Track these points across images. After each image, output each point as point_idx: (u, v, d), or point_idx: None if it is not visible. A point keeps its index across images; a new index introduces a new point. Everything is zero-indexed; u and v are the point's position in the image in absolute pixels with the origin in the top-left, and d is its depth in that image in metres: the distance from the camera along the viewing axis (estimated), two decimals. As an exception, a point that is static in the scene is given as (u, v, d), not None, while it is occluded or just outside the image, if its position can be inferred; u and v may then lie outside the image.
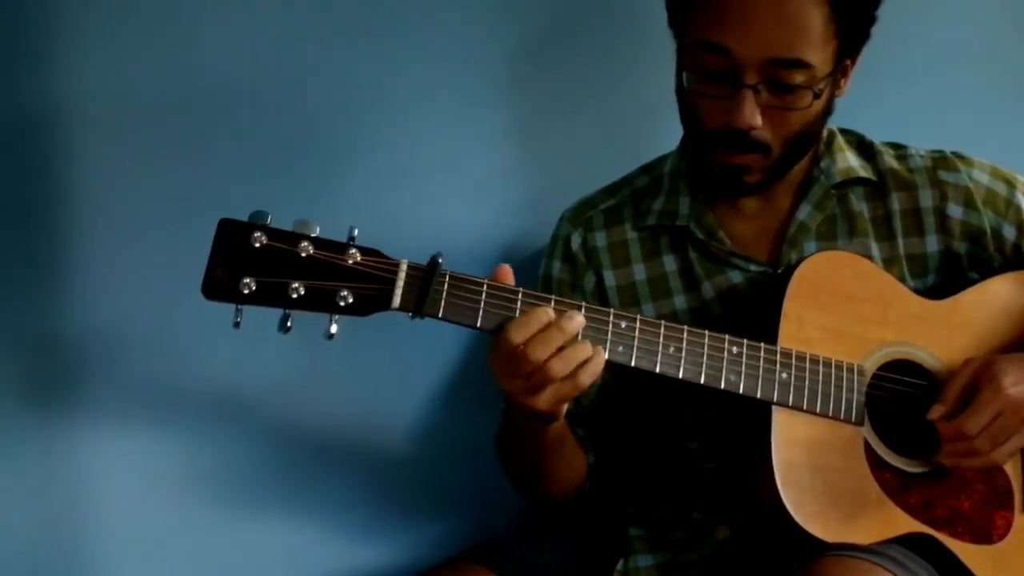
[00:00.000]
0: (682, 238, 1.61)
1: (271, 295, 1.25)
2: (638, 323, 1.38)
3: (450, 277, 1.31)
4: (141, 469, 1.69)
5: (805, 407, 1.46)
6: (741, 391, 1.43)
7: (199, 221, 1.30)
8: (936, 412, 1.48)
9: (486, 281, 1.33)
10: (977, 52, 2.09)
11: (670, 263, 1.62)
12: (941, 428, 1.47)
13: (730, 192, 1.58)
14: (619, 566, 1.60)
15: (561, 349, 1.31)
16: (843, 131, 1.66)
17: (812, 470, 1.45)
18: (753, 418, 1.46)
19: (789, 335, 1.47)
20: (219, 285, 1.24)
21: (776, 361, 1.45)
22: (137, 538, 1.69)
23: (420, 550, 1.82)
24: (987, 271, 1.62)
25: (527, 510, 1.80)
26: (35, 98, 1.63)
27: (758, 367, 1.44)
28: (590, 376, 1.33)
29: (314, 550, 1.78)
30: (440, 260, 1.30)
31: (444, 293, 1.30)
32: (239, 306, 1.25)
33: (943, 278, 1.61)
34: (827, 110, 1.53)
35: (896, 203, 1.61)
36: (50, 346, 1.65)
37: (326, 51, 1.75)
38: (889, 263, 1.59)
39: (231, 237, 1.25)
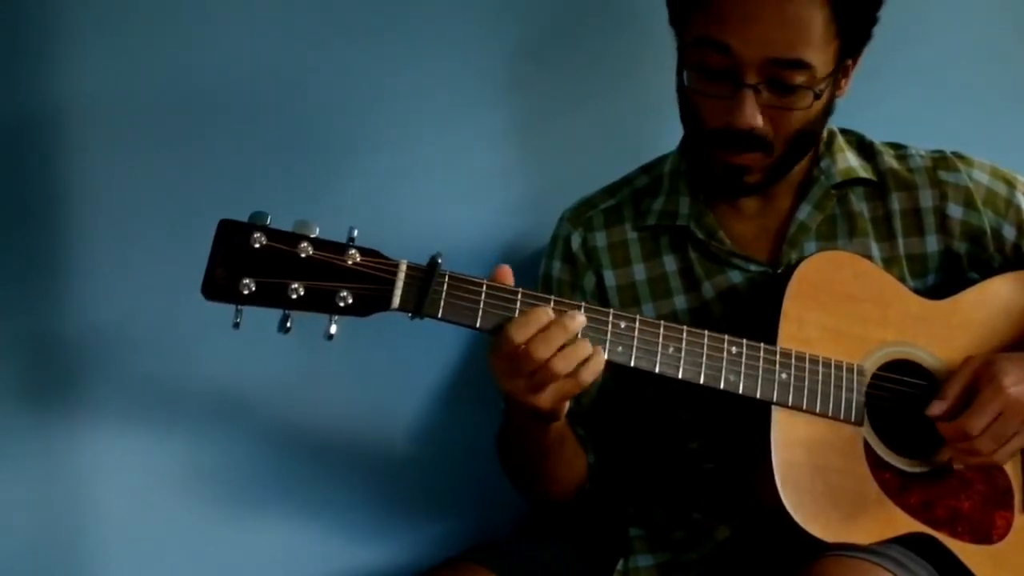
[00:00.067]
0: (682, 238, 1.61)
1: (271, 296, 1.25)
2: (637, 323, 1.38)
3: (449, 277, 1.31)
4: (141, 469, 1.69)
5: (805, 407, 1.46)
6: (741, 391, 1.43)
7: (199, 221, 1.30)
8: (935, 408, 1.48)
9: (485, 281, 1.33)
10: (977, 52, 2.09)
11: (670, 263, 1.62)
12: (942, 428, 1.47)
13: (730, 192, 1.58)
14: (619, 566, 1.60)
15: (562, 348, 1.31)
16: (843, 131, 1.66)
17: (812, 470, 1.45)
18: (753, 418, 1.46)
19: (789, 335, 1.47)
20: (219, 285, 1.24)
21: (776, 361, 1.45)
22: (137, 538, 1.69)
23: (420, 550, 1.82)
24: (987, 271, 1.62)
25: (527, 510, 1.80)
26: (35, 98, 1.63)
27: (758, 367, 1.44)
28: (592, 374, 1.33)
29: (314, 550, 1.78)
30: (439, 260, 1.30)
31: (443, 293, 1.31)
32: (239, 307, 1.25)
33: (943, 278, 1.61)
34: (828, 110, 1.53)
35: (896, 203, 1.61)
36: (50, 346, 1.65)
37: (326, 51, 1.75)
38: (889, 263, 1.59)
39: (231, 238, 1.25)
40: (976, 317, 1.58)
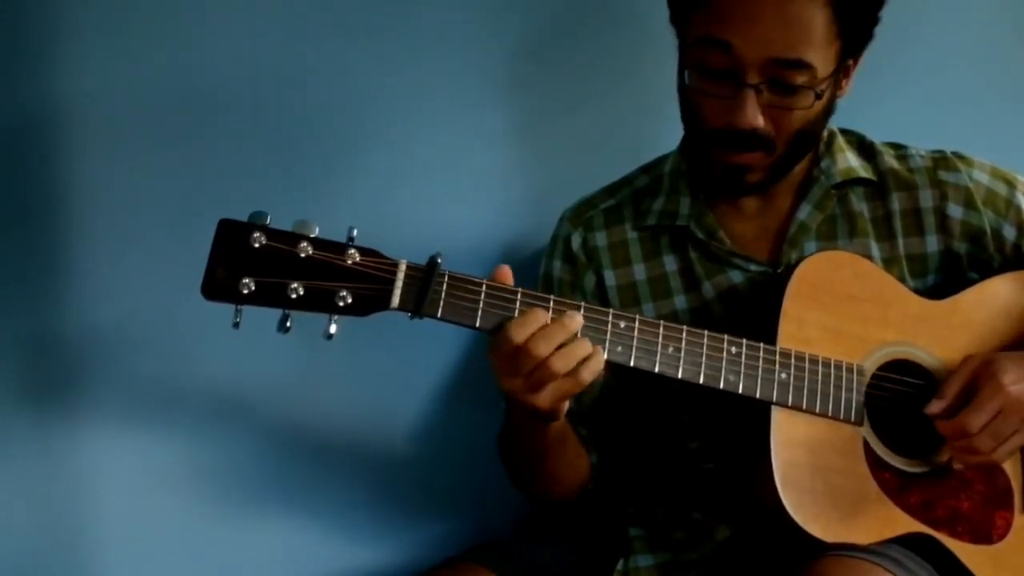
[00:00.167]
0: (682, 238, 1.61)
1: (270, 295, 1.25)
2: (637, 323, 1.38)
3: (449, 277, 1.31)
4: (141, 469, 1.69)
5: (805, 407, 1.46)
6: (740, 391, 1.43)
7: (199, 221, 1.30)
8: (934, 407, 1.48)
9: (485, 281, 1.33)
10: (977, 52, 2.09)
11: (670, 263, 1.62)
12: (941, 426, 1.47)
13: (731, 191, 1.58)
14: (619, 566, 1.60)
15: (562, 347, 1.31)
16: (843, 131, 1.66)
17: (812, 470, 1.45)
18: (753, 418, 1.46)
19: (789, 335, 1.47)
20: (219, 285, 1.24)
21: (775, 361, 1.45)
22: (137, 538, 1.68)
23: (420, 550, 1.82)
24: (987, 271, 1.62)
25: (527, 510, 1.80)
26: (35, 98, 1.63)
27: (757, 367, 1.44)
28: (591, 373, 1.33)
29: (314, 550, 1.78)
30: (439, 260, 1.30)
31: (443, 293, 1.31)
32: (239, 306, 1.25)
33: (943, 278, 1.61)
34: (829, 110, 1.53)
35: (896, 203, 1.61)
36: (50, 346, 1.65)
37: (326, 51, 1.75)
38: (889, 263, 1.59)
39: (231, 237, 1.25)
40: (976, 317, 1.58)
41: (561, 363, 1.30)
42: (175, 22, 1.68)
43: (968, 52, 2.08)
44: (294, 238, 1.26)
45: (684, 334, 1.41)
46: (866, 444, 1.49)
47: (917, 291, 1.57)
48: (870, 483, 1.48)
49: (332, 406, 1.79)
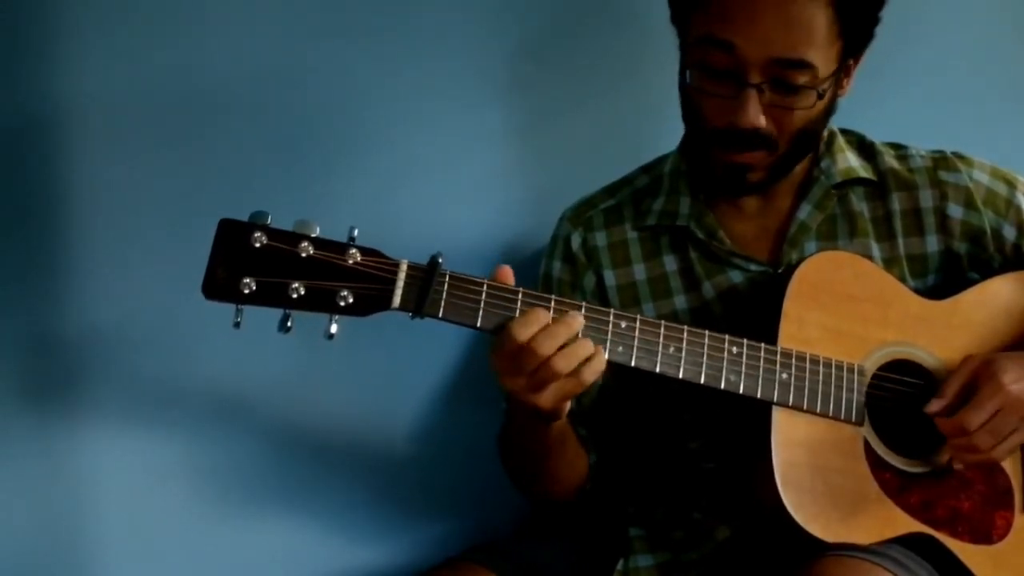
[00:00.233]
0: (682, 238, 1.61)
1: (271, 295, 1.25)
2: (638, 323, 1.38)
3: (450, 277, 1.31)
4: (141, 469, 1.69)
5: (805, 407, 1.46)
6: (741, 391, 1.43)
7: (199, 221, 1.30)
8: (934, 406, 1.48)
9: (486, 281, 1.33)
10: (977, 52, 2.10)
11: (670, 263, 1.62)
12: (941, 424, 1.47)
13: (732, 191, 1.58)
14: (619, 566, 1.60)
15: (564, 346, 1.31)
16: (844, 131, 1.67)
17: (812, 470, 1.45)
18: (753, 418, 1.46)
19: (789, 335, 1.47)
20: (219, 285, 1.24)
21: (776, 361, 1.45)
22: (137, 538, 1.68)
23: (420, 550, 1.82)
24: (987, 271, 1.62)
25: (527, 510, 1.80)
26: (35, 98, 1.63)
27: (758, 367, 1.44)
28: (593, 373, 1.33)
29: (314, 550, 1.78)
30: (440, 260, 1.30)
31: (444, 293, 1.31)
32: (239, 306, 1.25)
33: (943, 278, 1.61)
34: (830, 109, 1.53)
35: (896, 203, 1.61)
36: (50, 346, 1.65)
37: (326, 51, 1.75)
38: (889, 263, 1.59)
39: (231, 237, 1.25)
40: (976, 317, 1.58)
41: (563, 363, 1.30)
42: (175, 22, 1.68)
43: (968, 52, 2.08)
44: (295, 238, 1.26)
45: (685, 334, 1.41)
46: (866, 444, 1.49)
47: (917, 291, 1.58)
48: (870, 483, 1.48)
49: (333, 406, 1.79)
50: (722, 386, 1.42)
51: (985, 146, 1.67)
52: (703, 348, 1.42)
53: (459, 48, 1.83)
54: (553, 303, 1.34)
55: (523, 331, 1.30)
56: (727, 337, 1.43)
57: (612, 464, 1.65)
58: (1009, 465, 1.56)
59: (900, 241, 1.60)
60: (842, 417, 1.48)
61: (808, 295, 1.49)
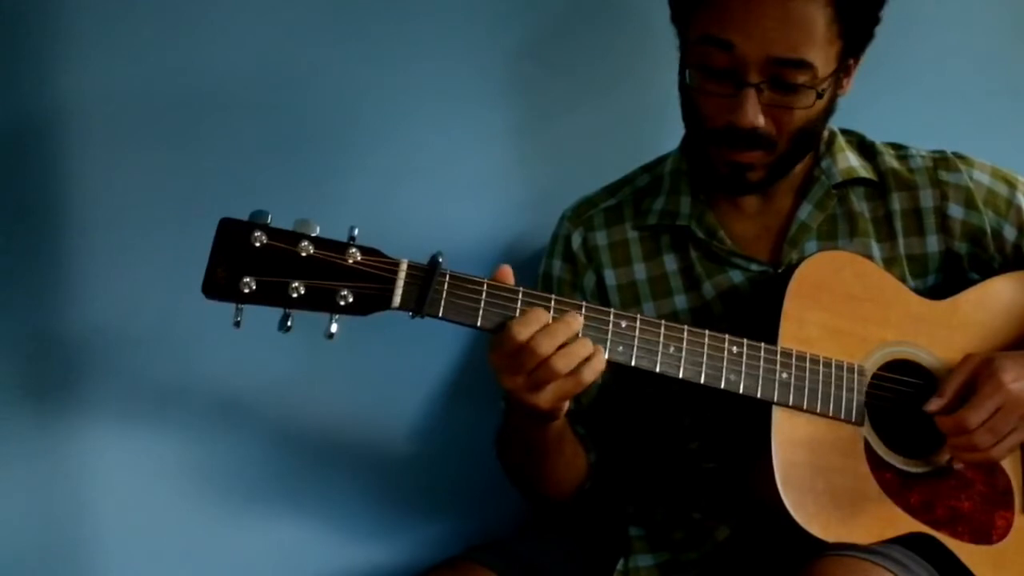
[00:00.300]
0: (683, 238, 1.62)
1: (271, 294, 1.25)
2: (638, 323, 1.38)
3: (450, 277, 1.31)
4: (141, 468, 1.68)
5: (805, 407, 1.46)
6: (741, 391, 1.43)
7: (200, 220, 1.30)
8: (934, 404, 1.48)
9: (486, 281, 1.33)
10: (977, 52, 2.10)
11: (671, 262, 1.62)
12: (940, 422, 1.47)
13: (732, 190, 1.58)
14: (619, 566, 1.60)
15: (563, 346, 1.31)
16: (844, 131, 1.67)
17: (812, 470, 1.45)
18: (753, 418, 1.46)
19: (789, 335, 1.47)
20: (219, 284, 1.24)
21: (776, 361, 1.45)
22: (137, 537, 1.68)
23: (420, 550, 1.82)
24: (987, 271, 1.62)
25: (527, 510, 1.80)
26: (35, 98, 1.62)
27: (758, 367, 1.44)
28: (593, 373, 1.33)
29: (314, 550, 1.78)
30: (440, 260, 1.30)
31: (444, 293, 1.31)
32: (239, 305, 1.25)
33: (944, 278, 1.62)
34: (830, 109, 1.54)
35: (897, 203, 1.61)
36: (50, 346, 1.65)
37: (327, 51, 1.75)
38: (890, 263, 1.59)
39: (231, 236, 1.25)
40: (976, 317, 1.58)
41: (563, 362, 1.30)
42: (175, 22, 1.68)
43: (968, 52, 2.08)
44: (295, 237, 1.26)
45: (685, 334, 1.41)
46: (867, 444, 1.49)
47: (918, 291, 1.58)
48: (871, 483, 1.48)
49: (333, 406, 1.79)
50: (722, 386, 1.42)
51: (985, 146, 1.67)
52: (703, 348, 1.42)
53: (459, 48, 1.83)
54: (553, 303, 1.34)
55: (523, 330, 1.30)
56: (727, 337, 1.43)
57: (612, 463, 1.65)
58: (1009, 465, 1.56)
59: (900, 241, 1.60)
60: (842, 417, 1.48)
61: (808, 295, 1.49)
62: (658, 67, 1.62)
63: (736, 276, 1.59)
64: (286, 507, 1.77)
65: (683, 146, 1.66)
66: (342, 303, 1.27)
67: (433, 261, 1.30)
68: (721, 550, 1.58)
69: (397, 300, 1.29)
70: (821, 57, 1.44)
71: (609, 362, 1.36)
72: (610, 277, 1.63)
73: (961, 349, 1.55)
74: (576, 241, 1.66)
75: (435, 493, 1.86)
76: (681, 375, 1.40)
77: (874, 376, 1.52)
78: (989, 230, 1.60)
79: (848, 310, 1.51)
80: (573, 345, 1.32)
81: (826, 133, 1.63)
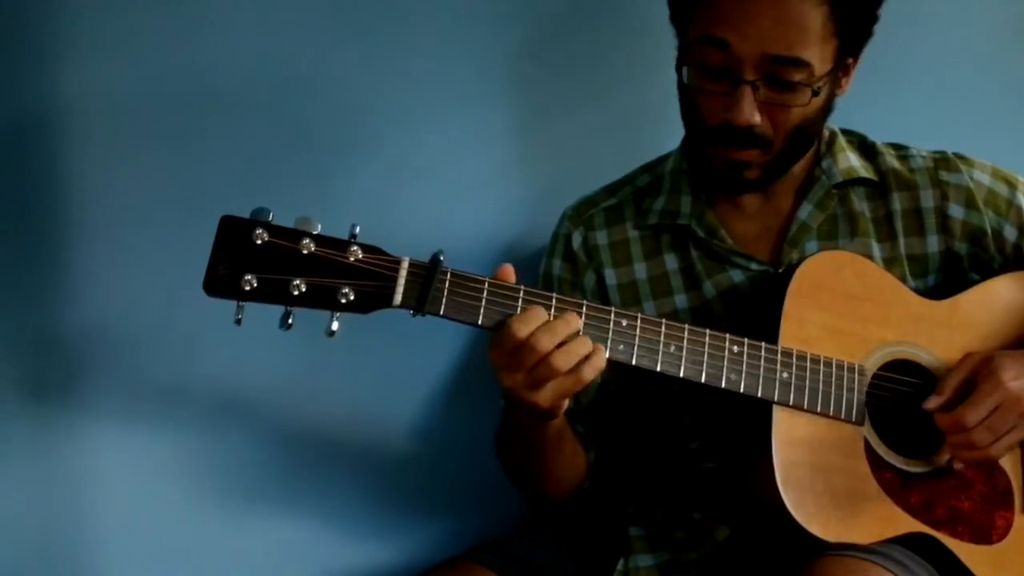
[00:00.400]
0: (683, 237, 1.62)
1: (273, 292, 1.25)
2: (639, 322, 1.38)
3: (451, 275, 1.31)
4: (142, 468, 1.68)
5: (806, 407, 1.46)
6: (742, 390, 1.43)
7: (201, 218, 1.30)
8: (933, 402, 1.49)
9: (487, 279, 1.33)
10: (978, 52, 2.10)
11: (671, 262, 1.62)
12: (939, 420, 1.48)
13: (731, 188, 1.58)
14: (619, 566, 1.60)
15: (563, 344, 1.31)
16: (844, 131, 1.67)
17: (812, 470, 1.45)
18: (753, 418, 1.46)
19: (790, 334, 1.47)
20: (221, 282, 1.24)
21: (777, 360, 1.45)
22: (137, 537, 1.68)
23: (420, 550, 1.82)
24: (988, 272, 1.62)
25: (527, 510, 1.80)
26: (35, 98, 1.63)
27: (759, 366, 1.44)
28: (593, 371, 1.33)
29: (314, 549, 1.78)
30: (442, 258, 1.30)
31: (445, 291, 1.31)
32: (240, 303, 1.25)
33: (944, 278, 1.62)
34: (827, 107, 1.54)
35: (897, 203, 1.61)
36: (50, 345, 1.65)
37: (328, 50, 1.75)
38: (890, 263, 1.59)
39: (233, 234, 1.25)
40: (976, 318, 1.58)
41: (563, 360, 1.31)
42: (176, 22, 1.68)
43: (968, 52, 2.09)
44: (296, 235, 1.26)
45: (686, 333, 1.41)
46: (867, 444, 1.49)
47: (918, 291, 1.58)
48: (871, 483, 1.48)
49: (333, 404, 1.79)
50: (722, 385, 1.42)
51: (985, 146, 1.67)
52: (704, 347, 1.42)
53: (459, 48, 1.83)
54: (554, 301, 1.34)
55: (522, 327, 1.30)
56: (728, 336, 1.43)
57: (611, 463, 1.65)
58: (1009, 465, 1.56)
59: (901, 241, 1.60)
60: (842, 416, 1.48)
61: (809, 295, 1.49)
62: (658, 67, 1.62)
63: (736, 275, 1.59)
64: (286, 507, 1.77)
65: (683, 146, 1.66)
66: (343, 301, 1.27)
67: (434, 259, 1.30)
68: (721, 550, 1.58)
69: (398, 298, 1.29)
70: (817, 55, 1.45)
71: (609, 361, 1.36)
72: (610, 276, 1.64)
73: (961, 349, 1.55)
74: (576, 240, 1.66)
75: (435, 493, 1.86)
76: (682, 374, 1.40)
77: (874, 376, 1.52)
78: (989, 230, 1.61)
79: (848, 310, 1.51)
80: (573, 343, 1.32)
81: (826, 133, 1.63)
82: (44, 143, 1.63)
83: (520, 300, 1.33)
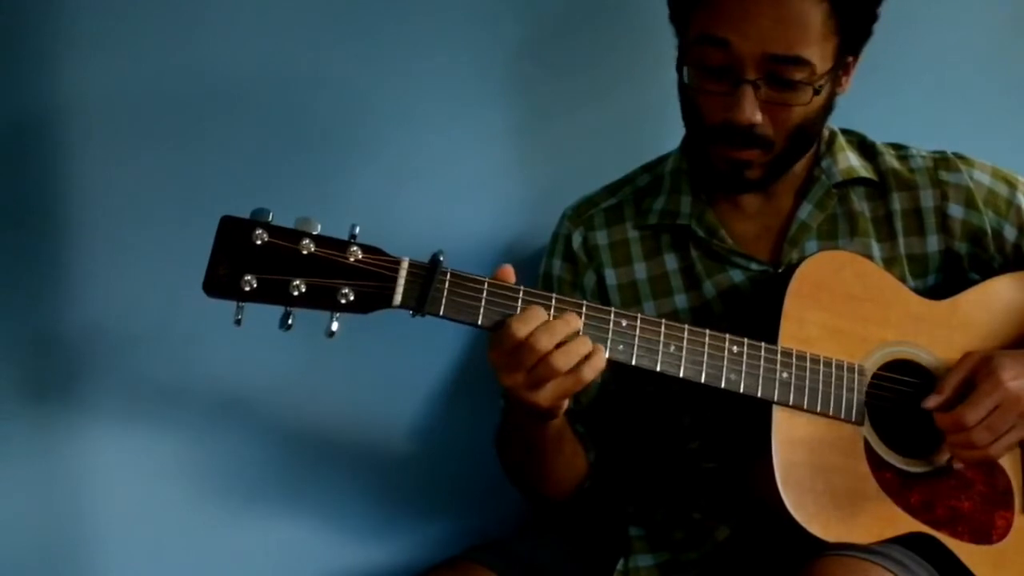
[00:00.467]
0: (683, 237, 1.62)
1: (272, 292, 1.25)
2: (639, 322, 1.38)
3: (451, 275, 1.31)
4: (142, 468, 1.68)
5: (806, 407, 1.46)
6: (741, 390, 1.43)
7: (201, 219, 1.30)
8: (932, 401, 1.49)
9: (487, 279, 1.33)
10: (977, 52, 2.10)
11: (671, 262, 1.62)
12: (939, 419, 1.48)
13: (731, 188, 1.58)
14: (619, 566, 1.60)
15: (562, 344, 1.31)
16: (844, 131, 1.67)
17: (812, 470, 1.45)
18: (753, 418, 1.46)
19: (790, 334, 1.47)
20: (221, 282, 1.24)
21: (777, 360, 1.45)
22: (138, 537, 1.68)
23: (420, 550, 1.82)
24: (988, 271, 1.62)
25: (527, 510, 1.80)
26: (35, 98, 1.63)
27: (759, 366, 1.44)
28: (593, 371, 1.33)
29: (314, 549, 1.78)
30: (441, 258, 1.30)
31: (445, 291, 1.31)
32: (240, 303, 1.25)
33: (944, 278, 1.62)
34: (828, 106, 1.54)
35: (897, 203, 1.61)
36: (50, 346, 1.65)
37: (328, 50, 1.75)
38: (890, 263, 1.59)
39: (233, 234, 1.25)
40: (976, 317, 1.58)
41: (563, 360, 1.30)
42: (176, 22, 1.68)
43: (968, 51, 2.09)
44: (296, 235, 1.26)
45: (686, 333, 1.41)
46: (867, 444, 1.49)
47: (918, 291, 1.58)
48: (871, 482, 1.48)
49: (333, 404, 1.79)
50: (722, 385, 1.42)
51: (985, 146, 1.67)
52: (704, 347, 1.42)
53: (459, 48, 1.83)
54: (554, 301, 1.34)
55: (522, 327, 1.30)
56: (727, 336, 1.43)
57: (611, 463, 1.65)
58: (1009, 465, 1.56)
59: (901, 241, 1.60)
60: (842, 416, 1.48)
61: (809, 294, 1.49)
62: (658, 67, 1.62)
63: (736, 275, 1.59)
64: (286, 507, 1.77)
65: (683, 145, 1.66)
66: (343, 301, 1.27)
67: (434, 260, 1.30)
68: (721, 550, 1.58)
69: (398, 298, 1.29)
70: (818, 53, 1.45)
71: (609, 361, 1.36)
72: (610, 276, 1.64)
73: (961, 349, 1.55)
74: (576, 240, 1.66)
75: (435, 493, 1.86)
76: (681, 374, 1.40)
77: (874, 376, 1.52)
78: (989, 230, 1.61)
79: (848, 310, 1.51)
80: (573, 343, 1.32)
81: (826, 133, 1.63)
82: (44, 143, 1.63)
83: (520, 300, 1.33)
